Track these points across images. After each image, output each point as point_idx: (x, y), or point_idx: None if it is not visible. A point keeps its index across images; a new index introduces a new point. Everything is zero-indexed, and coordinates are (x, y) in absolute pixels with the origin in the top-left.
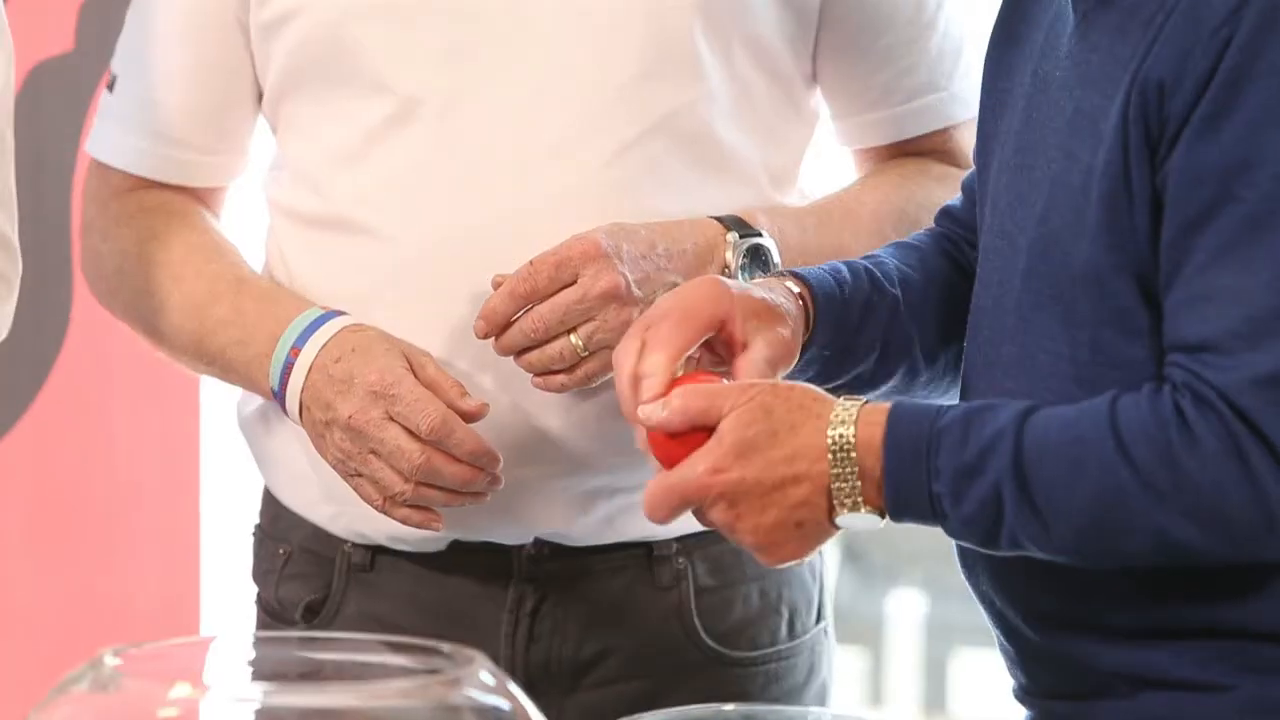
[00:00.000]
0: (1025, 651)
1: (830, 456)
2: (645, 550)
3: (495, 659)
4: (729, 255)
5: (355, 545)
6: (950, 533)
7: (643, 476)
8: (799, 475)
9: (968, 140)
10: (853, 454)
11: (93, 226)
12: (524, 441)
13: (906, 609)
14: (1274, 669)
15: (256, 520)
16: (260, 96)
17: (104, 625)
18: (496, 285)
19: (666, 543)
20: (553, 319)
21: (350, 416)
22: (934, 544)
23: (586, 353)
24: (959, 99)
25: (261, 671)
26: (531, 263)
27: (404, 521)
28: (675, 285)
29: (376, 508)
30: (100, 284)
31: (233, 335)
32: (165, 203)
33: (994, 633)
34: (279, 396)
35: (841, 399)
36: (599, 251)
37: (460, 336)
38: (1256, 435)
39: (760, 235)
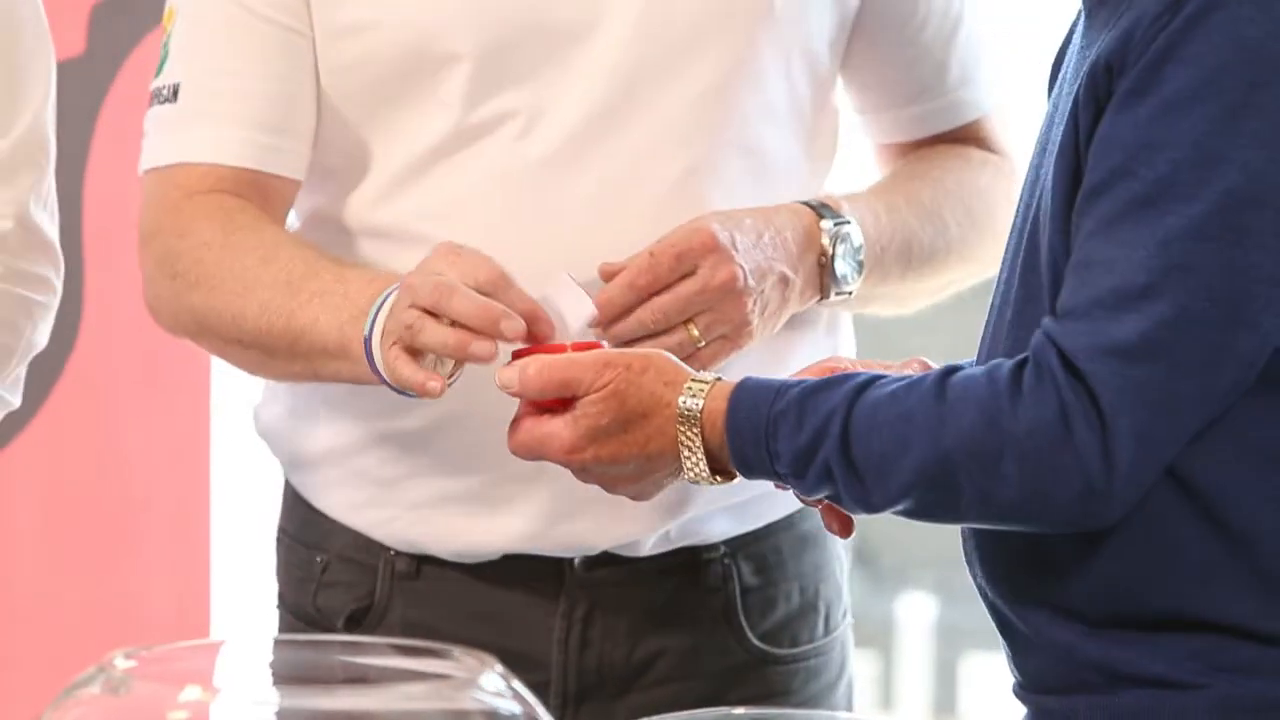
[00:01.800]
0: (1017, 644)
1: (680, 440)
2: (693, 553)
3: (547, 665)
4: (825, 241)
5: (399, 553)
6: (796, 495)
7: (705, 495)
8: (650, 456)
9: (996, 126)
10: (696, 432)
11: (161, 229)
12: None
13: (917, 612)
14: (1247, 668)
15: (281, 525)
16: (317, 104)
17: (114, 627)
18: (606, 276)
19: (714, 546)
20: (674, 310)
21: (420, 292)
22: (945, 547)
23: (703, 343)
24: (985, 93)
25: (272, 675)
26: (651, 253)
27: (409, 382)
28: (785, 276)
29: (387, 370)
30: (168, 285)
31: (332, 301)
32: (245, 205)
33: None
34: (366, 344)
35: (693, 377)
36: (716, 243)
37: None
38: (1090, 402)
39: (849, 222)
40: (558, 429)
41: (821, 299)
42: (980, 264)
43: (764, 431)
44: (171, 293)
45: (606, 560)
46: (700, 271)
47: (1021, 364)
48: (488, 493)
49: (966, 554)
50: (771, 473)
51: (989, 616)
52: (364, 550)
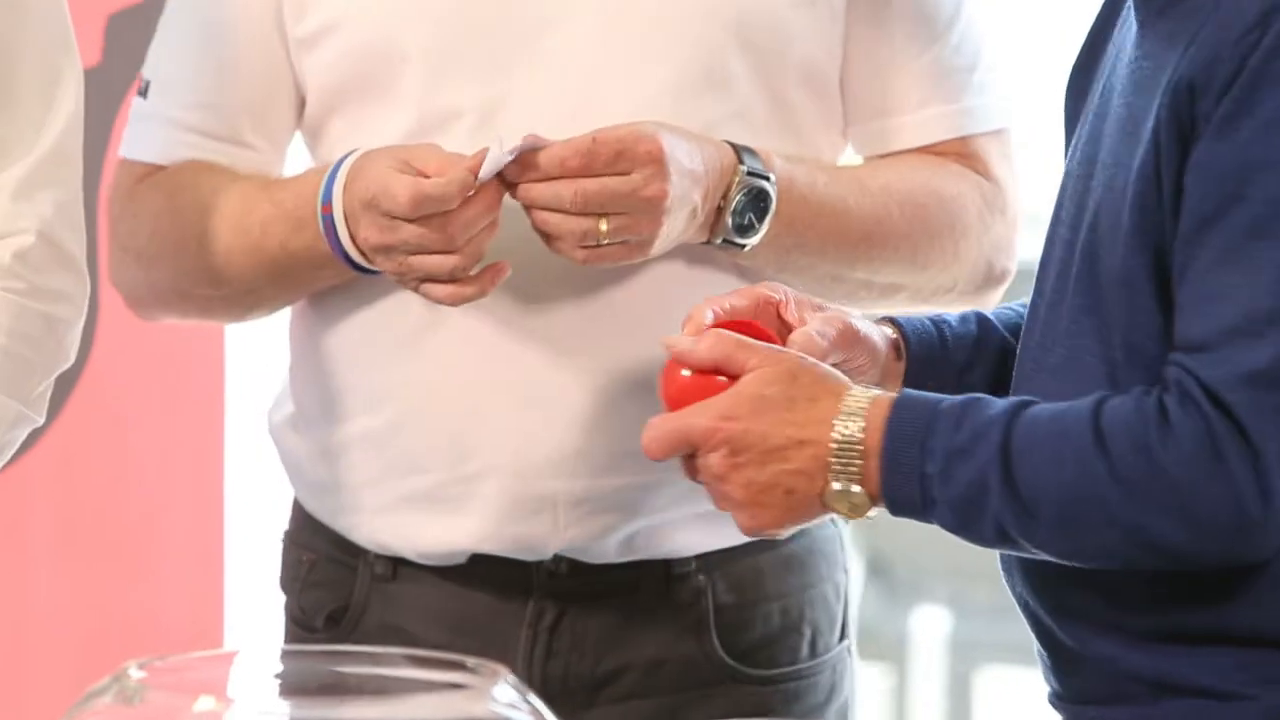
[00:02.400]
0: (1058, 655)
1: (836, 426)
2: (665, 566)
3: (513, 673)
4: (732, 189)
5: (378, 555)
6: (937, 520)
7: (666, 498)
8: (804, 441)
9: (988, 152)
10: (859, 428)
11: (120, 216)
12: (548, 457)
13: (931, 626)
14: None
15: (286, 527)
16: (301, 108)
17: (129, 637)
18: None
19: (685, 560)
20: (594, 201)
21: (369, 239)
22: (959, 561)
23: (606, 242)
24: (972, 112)
25: (286, 685)
26: (594, 139)
27: (482, 293)
28: (695, 207)
29: (451, 302)
30: (134, 265)
31: (284, 227)
32: (183, 166)
33: (1032, 638)
34: (342, 255)
35: (863, 384)
36: (661, 156)
37: (499, 346)
38: (1238, 432)
39: (768, 178)
40: (713, 399)
41: (709, 241)
42: (932, 271)
43: (924, 426)
44: (140, 270)
45: (576, 569)
46: (634, 176)
47: (1161, 396)
48: (443, 492)
49: (1005, 566)
50: (918, 473)
51: (1027, 624)
52: (346, 551)
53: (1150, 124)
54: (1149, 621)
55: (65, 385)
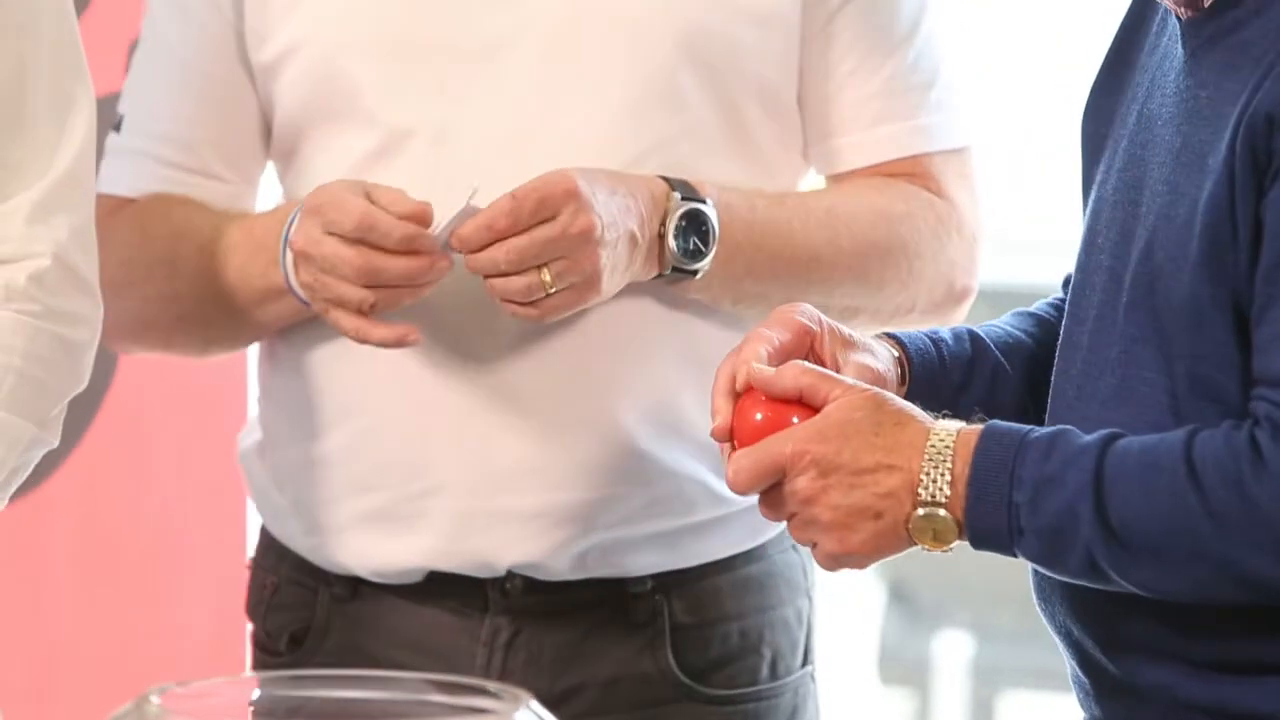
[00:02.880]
0: (1103, 684)
1: (925, 452)
2: (620, 586)
3: None
4: (667, 216)
5: (337, 577)
6: (1022, 551)
7: (619, 515)
8: (893, 465)
9: (943, 171)
10: (948, 453)
11: (112, 234)
12: (499, 473)
13: (954, 651)
14: None
15: (253, 554)
16: (268, 137)
17: (150, 662)
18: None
19: (641, 579)
20: (529, 253)
21: (297, 242)
22: (982, 585)
23: (554, 289)
24: (925, 130)
25: (306, 710)
26: (514, 196)
27: (382, 343)
28: (634, 234)
29: (354, 335)
30: (105, 297)
31: (246, 254)
32: (155, 196)
33: (1069, 665)
34: (288, 284)
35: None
36: (577, 191)
37: (452, 363)
38: None
39: (703, 202)
40: (799, 425)
41: (661, 273)
42: (889, 291)
43: (1013, 454)
44: (109, 299)
45: (531, 587)
46: (560, 218)
47: (1253, 430)
48: (397, 510)
49: (1042, 595)
50: (1005, 501)
51: (1065, 652)
52: (308, 574)
53: (1221, 156)
54: (1211, 650)
55: (88, 408)
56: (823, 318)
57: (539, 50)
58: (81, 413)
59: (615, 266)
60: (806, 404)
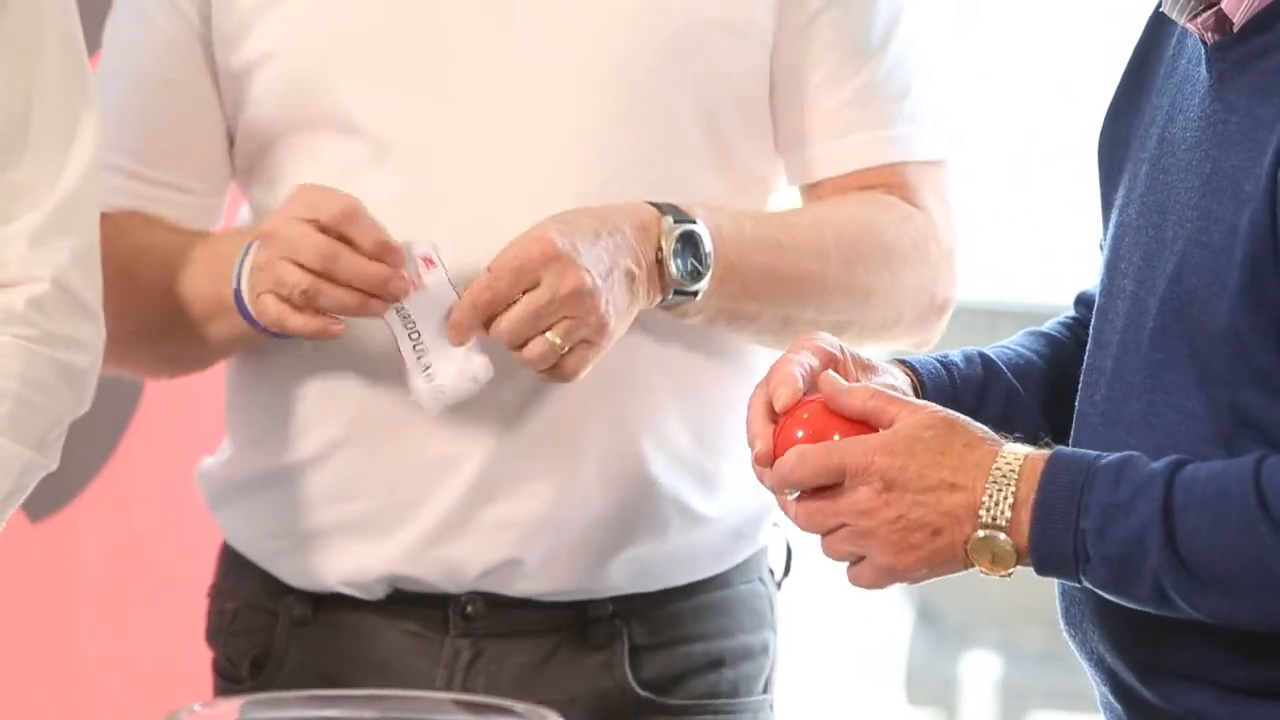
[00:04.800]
0: (1136, 709)
1: (991, 474)
2: (580, 610)
3: None
4: (663, 240)
5: (297, 598)
6: (1089, 578)
7: (591, 529)
8: (957, 484)
9: (918, 183)
10: (1013, 476)
11: None
12: (474, 483)
13: (981, 671)
14: None
15: (211, 580)
16: (230, 143)
17: (177, 682)
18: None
19: (601, 603)
20: (525, 324)
21: (269, 225)
22: (1010, 605)
23: (566, 349)
24: (899, 140)
25: None
26: (490, 270)
27: (299, 331)
28: (630, 270)
29: (274, 322)
30: None
31: (201, 267)
32: (122, 217)
33: (1099, 691)
34: (237, 296)
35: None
36: (556, 251)
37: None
38: None
39: (694, 223)
40: (868, 436)
41: (664, 299)
42: (875, 302)
43: (1081, 480)
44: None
45: (492, 607)
46: (545, 281)
47: None
48: (369, 520)
49: (1072, 621)
50: (1072, 528)
51: (1096, 678)
52: (268, 594)
53: (1260, 183)
54: (1245, 675)
55: (115, 430)
56: (842, 345)
57: (522, 62)
58: (108, 434)
59: (619, 307)
60: (865, 425)
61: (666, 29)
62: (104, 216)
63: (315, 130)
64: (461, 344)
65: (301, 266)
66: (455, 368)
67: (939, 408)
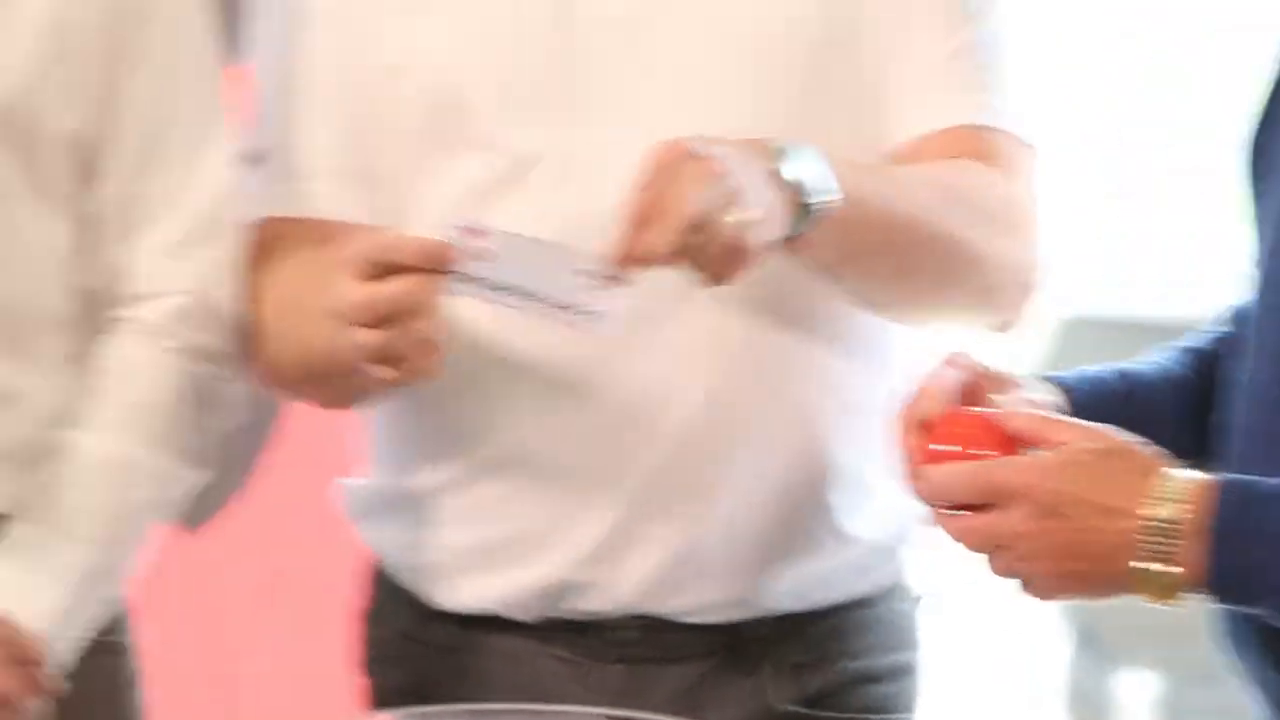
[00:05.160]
0: None
1: (1154, 501)
2: (734, 630)
3: None
4: (775, 159)
5: (447, 624)
6: (1266, 606)
7: (749, 555)
8: (1113, 510)
9: (1011, 157)
10: (1178, 508)
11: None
12: (630, 508)
13: (1140, 690)
14: None
15: (364, 605)
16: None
17: (333, 689)
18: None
19: (755, 623)
20: (674, 214)
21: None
22: (1169, 623)
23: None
24: (993, 108)
25: None
26: (634, 191)
27: (398, 383)
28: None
29: (379, 386)
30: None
31: (311, 317)
32: (279, 241)
33: (1267, 713)
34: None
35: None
36: (682, 149)
37: (580, 393)
38: None
39: (797, 147)
40: (1025, 458)
41: (803, 205)
42: (978, 262)
43: (1260, 511)
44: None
45: (646, 632)
46: (681, 177)
47: None
48: (527, 539)
49: (1239, 641)
50: (1251, 559)
51: (1271, 706)
52: (420, 623)
53: None
54: None
55: (264, 442)
56: (985, 364)
57: (663, 75)
58: (257, 445)
59: (754, 185)
60: (1021, 442)
61: (808, 36)
62: (263, 245)
63: (451, 144)
64: (626, 269)
65: (363, 326)
66: (584, 291)
67: (1103, 428)
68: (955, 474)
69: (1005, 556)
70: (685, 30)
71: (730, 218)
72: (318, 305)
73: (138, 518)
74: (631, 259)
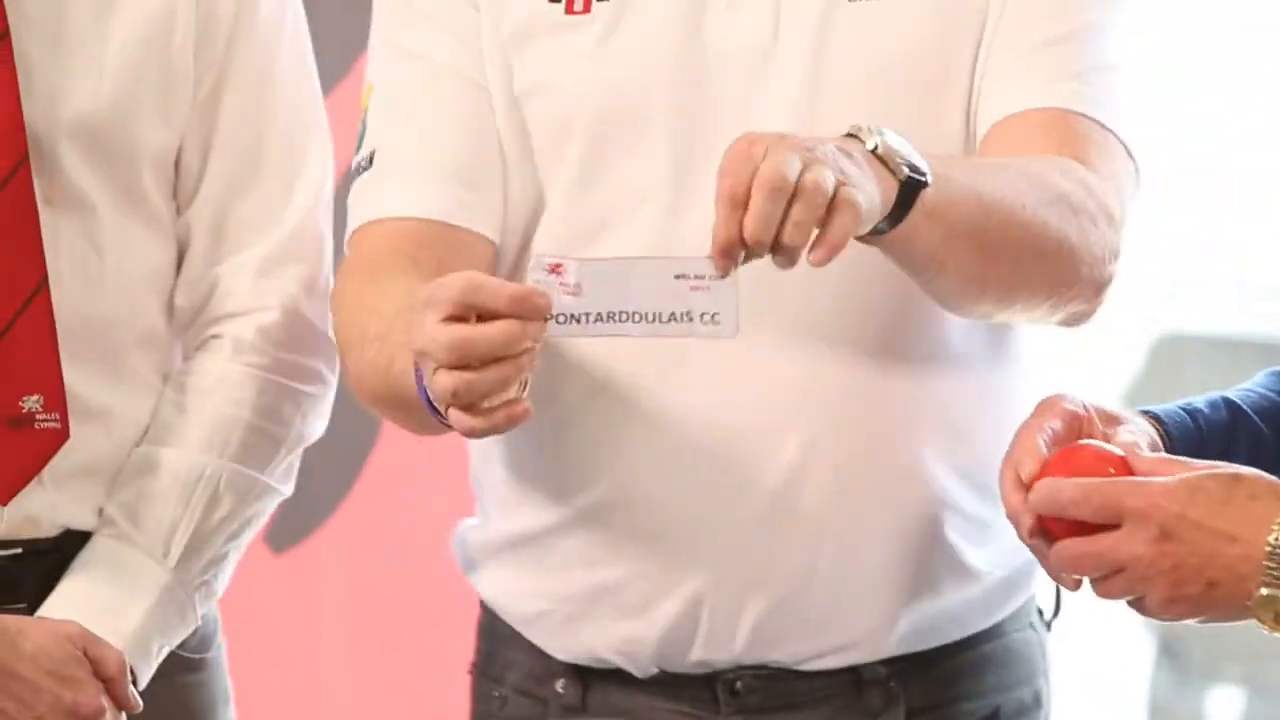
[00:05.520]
0: None
1: (1274, 530)
2: (854, 675)
3: None
4: (866, 138)
5: (566, 680)
6: None
7: (872, 600)
8: (1236, 537)
9: (1101, 146)
10: None
11: (343, 290)
12: (747, 560)
13: (1227, 707)
14: None
15: (473, 658)
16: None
17: (425, 710)
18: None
19: (875, 666)
20: (768, 190)
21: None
22: (1255, 640)
23: (831, 189)
24: (1080, 95)
25: None
26: (721, 177)
27: (487, 431)
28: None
29: (468, 432)
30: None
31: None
32: (394, 257)
33: None
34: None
35: None
36: (751, 135)
37: (693, 439)
38: None
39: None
40: (1150, 482)
41: (902, 182)
42: (1061, 250)
43: None
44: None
45: (763, 681)
46: (767, 156)
47: None
48: (638, 586)
49: None
50: None
51: None
52: (535, 681)
53: None
54: None
55: (356, 462)
56: (1086, 402)
57: (783, 113)
58: (350, 466)
59: (842, 158)
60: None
61: (924, 71)
62: (367, 258)
63: (570, 173)
64: (727, 251)
65: (448, 368)
66: (689, 297)
67: (1226, 466)
68: (1081, 494)
69: (1121, 580)
70: (802, 71)
71: (818, 173)
72: (406, 341)
73: (221, 535)
74: (730, 246)
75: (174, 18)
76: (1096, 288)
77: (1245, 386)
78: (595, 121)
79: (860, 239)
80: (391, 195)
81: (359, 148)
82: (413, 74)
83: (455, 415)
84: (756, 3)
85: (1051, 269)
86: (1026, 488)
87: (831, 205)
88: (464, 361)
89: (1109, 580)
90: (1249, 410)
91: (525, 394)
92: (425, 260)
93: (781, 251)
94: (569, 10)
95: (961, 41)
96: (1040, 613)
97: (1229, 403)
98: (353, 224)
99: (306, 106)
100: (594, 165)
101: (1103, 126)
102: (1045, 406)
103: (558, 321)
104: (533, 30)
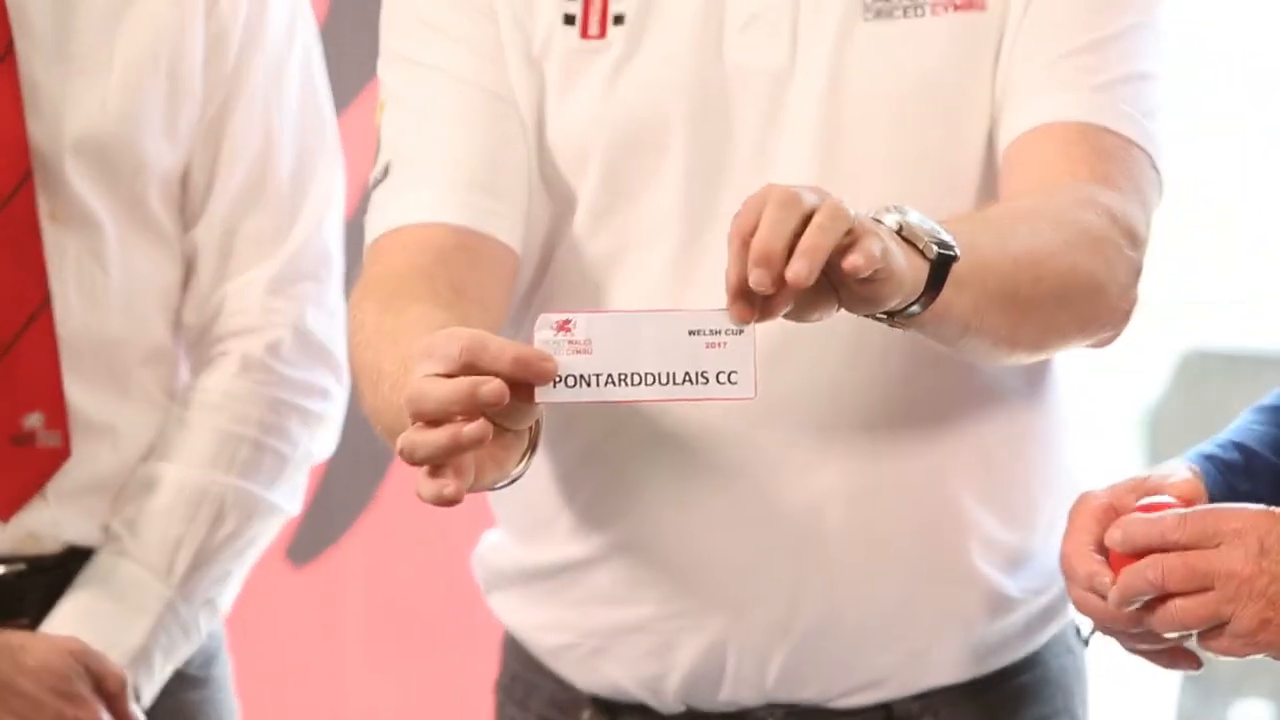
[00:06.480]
0: None
1: None
2: (884, 712)
3: None
4: (886, 216)
5: (593, 714)
6: None
7: (910, 636)
8: None
9: (1125, 161)
10: None
11: (360, 310)
12: (770, 598)
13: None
14: None
15: (496, 679)
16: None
17: None
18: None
19: (905, 702)
20: (773, 235)
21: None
22: None
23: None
24: (1101, 107)
25: None
26: (734, 229)
27: (420, 495)
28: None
29: (428, 497)
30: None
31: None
32: (419, 279)
33: None
34: None
35: None
36: (770, 188)
37: (694, 459)
38: None
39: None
40: (1248, 505)
41: (932, 261)
42: (1085, 286)
43: None
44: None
45: (793, 717)
46: (770, 201)
47: None
48: (663, 622)
49: None
50: None
51: None
52: (560, 710)
53: None
54: None
55: (375, 476)
56: (1110, 487)
57: (806, 141)
58: (368, 481)
59: (876, 227)
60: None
61: (942, 94)
62: (385, 281)
63: (587, 196)
64: (745, 297)
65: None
66: (706, 355)
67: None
68: (1180, 520)
69: (1208, 599)
70: (823, 84)
71: (839, 201)
72: (401, 388)
73: (226, 552)
74: (743, 286)
75: (183, 35)
76: (1125, 314)
77: (1243, 425)
78: (611, 148)
79: (891, 323)
80: (410, 202)
81: (376, 163)
82: (429, 85)
83: (425, 478)
84: (773, 25)
85: (1083, 309)
86: (1102, 550)
87: (852, 233)
88: (417, 417)
89: (1188, 600)
90: (1261, 449)
91: (524, 467)
92: (442, 280)
93: (794, 276)
94: (584, 35)
95: (981, 59)
96: (1078, 631)
97: (1239, 445)
98: (370, 235)
99: (315, 125)
100: (611, 193)
101: (1126, 140)
102: (1077, 513)
103: (566, 385)
104: (549, 53)
